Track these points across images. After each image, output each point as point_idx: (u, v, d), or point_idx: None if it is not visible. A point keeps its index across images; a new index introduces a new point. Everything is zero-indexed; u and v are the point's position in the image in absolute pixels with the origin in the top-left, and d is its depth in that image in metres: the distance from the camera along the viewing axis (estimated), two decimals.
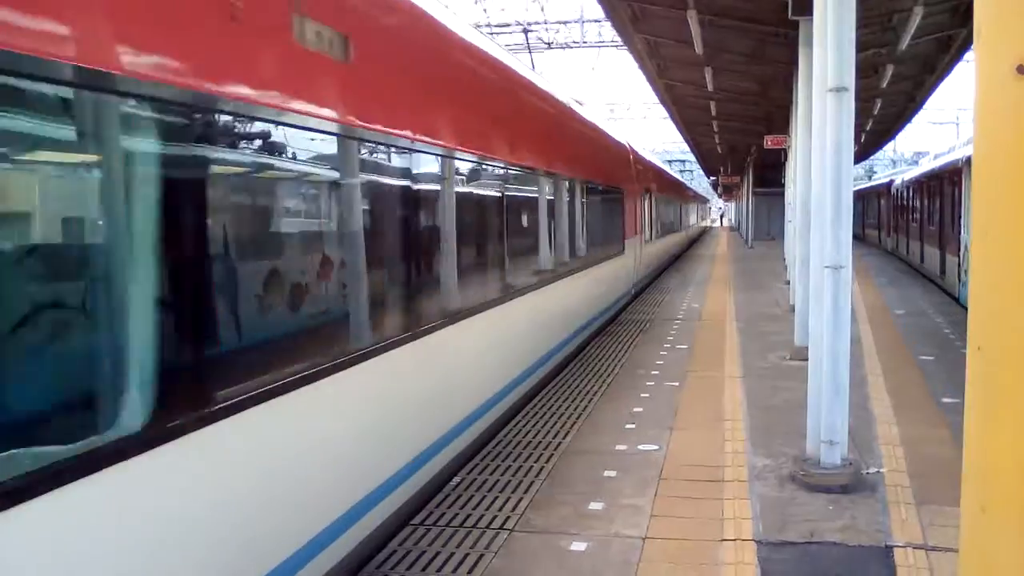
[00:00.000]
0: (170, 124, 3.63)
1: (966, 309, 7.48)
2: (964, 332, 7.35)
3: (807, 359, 7.77)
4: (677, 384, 10.76)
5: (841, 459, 6.99)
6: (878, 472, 7.15)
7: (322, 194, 5.23)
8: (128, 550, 3.37)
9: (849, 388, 7.15)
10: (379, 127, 5.64)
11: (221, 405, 3.89)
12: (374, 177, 5.75)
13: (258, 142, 4.40)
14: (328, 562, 4.99)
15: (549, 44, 38.31)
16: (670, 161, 65.41)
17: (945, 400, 9.58)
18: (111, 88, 3.23)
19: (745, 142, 37.16)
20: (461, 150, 7.32)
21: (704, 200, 64.06)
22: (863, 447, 7.86)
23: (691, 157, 67.37)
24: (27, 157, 3.15)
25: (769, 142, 25.93)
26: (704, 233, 61.04)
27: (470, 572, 5.46)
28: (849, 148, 7.01)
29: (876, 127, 34.04)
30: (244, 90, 4.08)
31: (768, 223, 47.40)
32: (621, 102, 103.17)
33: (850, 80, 6.90)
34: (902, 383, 10.58)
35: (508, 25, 38.62)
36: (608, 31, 34.14)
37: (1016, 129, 1.33)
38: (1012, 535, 1.35)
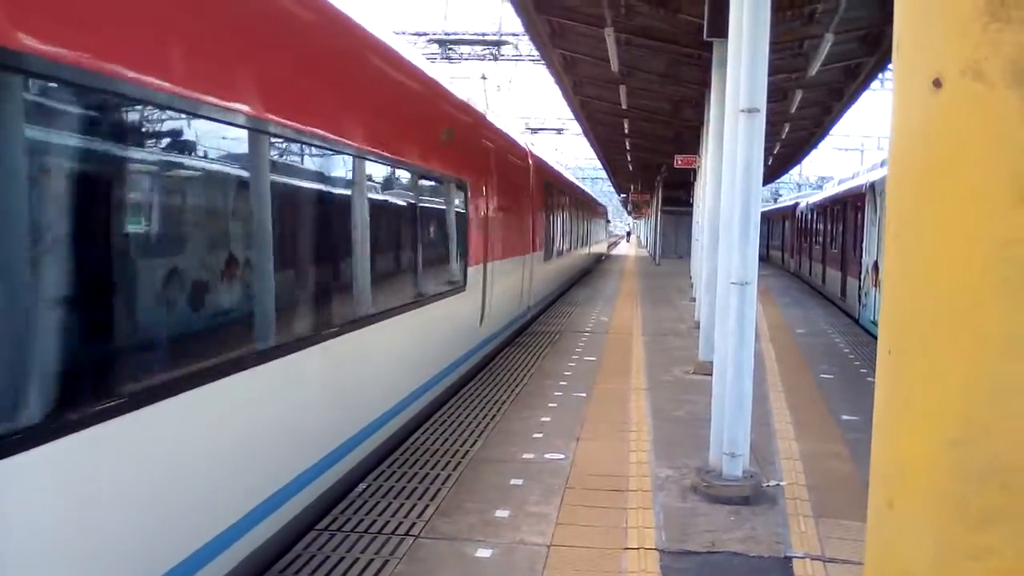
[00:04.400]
0: None
1: (865, 330, 7.79)
2: (863, 352, 7.65)
3: (710, 374, 7.93)
4: (584, 395, 10.85)
5: (743, 472, 7.14)
6: (778, 485, 7.30)
7: None
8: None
9: (751, 403, 7.31)
10: None
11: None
12: None
13: None
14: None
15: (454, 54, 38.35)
16: (584, 179, 65.68)
17: (844, 417, 9.84)
18: None
19: (656, 161, 37.67)
20: None
21: (602, 210, 55.18)
22: (764, 461, 8.03)
23: (604, 175, 68.16)
24: None
25: (679, 161, 26.32)
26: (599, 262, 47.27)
27: None
28: (759, 168, 7.18)
29: (783, 151, 34.88)
30: None
31: (676, 241, 48.15)
32: (536, 116, 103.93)
33: (762, 101, 7.07)
34: (803, 400, 10.84)
35: (426, 34, 38.62)
36: (526, 45, 34.35)
37: (930, 140, 1.39)
38: (917, 527, 1.42)
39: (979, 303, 1.35)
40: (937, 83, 1.36)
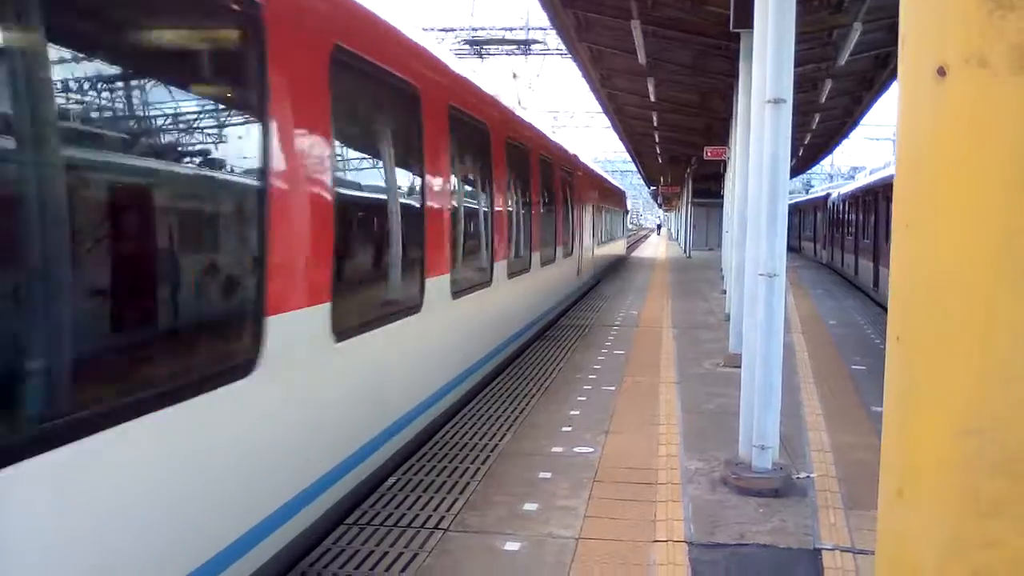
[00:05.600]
0: None
1: None
2: None
3: (740, 366, 7.90)
4: (613, 388, 10.84)
5: (772, 464, 7.11)
6: (808, 477, 7.27)
7: None
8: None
9: (782, 395, 7.27)
10: None
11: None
12: None
13: None
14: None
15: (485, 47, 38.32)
16: (613, 172, 64.93)
17: (875, 409, 9.77)
18: None
19: (685, 152, 37.55)
20: None
21: (616, 194, 40.85)
22: (794, 453, 8.00)
23: (632, 167, 68.00)
24: None
25: (709, 153, 26.23)
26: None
27: (403, 571, 5.45)
28: (785, 159, 7.14)
29: (814, 141, 34.62)
30: None
31: (707, 233, 47.95)
32: (565, 110, 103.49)
33: (788, 92, 7.03)
34: (834, 391, 10.78)
35: (453, 29, 38.68)
36: (553, 39, 34.28)
37: (935, 128, 1.39)
38: (926, 515, 1.42)
39: (987, 291, 1.35)
40: (941, 72, 1.36)
